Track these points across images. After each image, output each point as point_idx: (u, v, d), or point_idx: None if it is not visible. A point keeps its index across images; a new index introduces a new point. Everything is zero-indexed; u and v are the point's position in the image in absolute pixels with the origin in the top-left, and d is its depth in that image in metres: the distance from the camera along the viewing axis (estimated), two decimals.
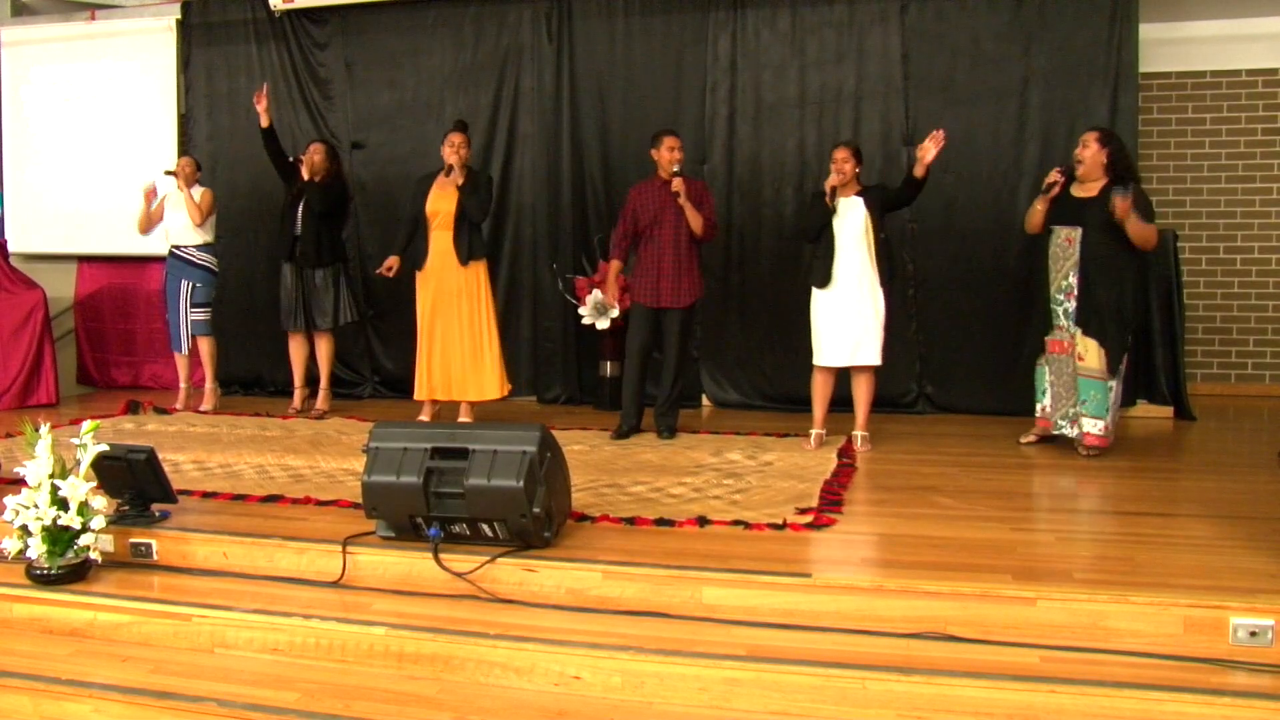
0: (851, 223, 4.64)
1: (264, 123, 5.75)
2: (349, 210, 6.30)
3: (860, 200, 4.66)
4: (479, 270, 5.35)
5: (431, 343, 5.32)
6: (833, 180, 4.61)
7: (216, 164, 6.31)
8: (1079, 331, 4.45)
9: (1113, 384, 4.44)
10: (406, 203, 5.51)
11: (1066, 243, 4.48)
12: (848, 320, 4.64)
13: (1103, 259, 4.38)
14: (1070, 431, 4.55)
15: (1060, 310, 4.54)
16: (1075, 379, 4.48)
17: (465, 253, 5.25)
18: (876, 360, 4.69)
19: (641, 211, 5.05)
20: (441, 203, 5.26)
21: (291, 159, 5.95)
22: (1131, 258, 4.43)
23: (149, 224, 6.18)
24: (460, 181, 5.19)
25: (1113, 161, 4.42)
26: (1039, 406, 4.73)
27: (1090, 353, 4.42)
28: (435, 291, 5.28)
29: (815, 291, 4.73)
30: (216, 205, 6.15)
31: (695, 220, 4.96)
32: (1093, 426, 4.44)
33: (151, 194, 6.09)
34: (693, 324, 5.19)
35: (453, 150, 5.21)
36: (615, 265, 5.24)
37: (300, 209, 5.81)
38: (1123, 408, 5.56)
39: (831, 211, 4.63)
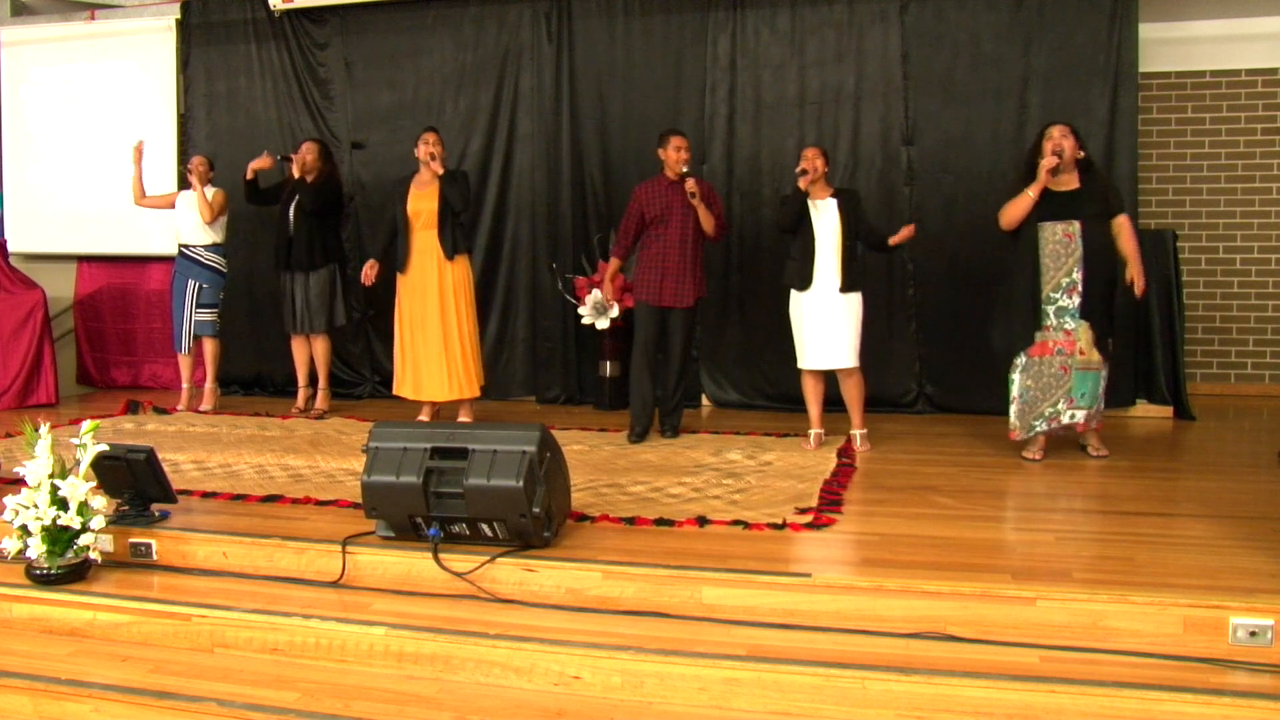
0: (828, 224, 4.66)
1: (249, 175, 5.87)
2: (344, 209, 6.31)
3: (835, 202, 4.68)
4: (464, 267, 5.37)
5: (415, 343, 5.32)
6: (802, 166, 4.63)
7: (216, 163, 6.32)
8: (1084, 325, 4.34)
9: (1104, 372, 4.44)
10: (388, 207, 5.54)
11: (1066, 238, 4.34)
12: (826, 322, 4.65)
13: (1102, 250, 4.36)
14: (1043, 428, 4.44)
15: (1052, 309, 4.37)
16: (1069, 375, 4.36)
17: (450, 248, 5.25)
18: (853, 363, 4.68)
19: (648, 209, 5.05)
20: (423, 202, 5.28)
21: (281, 156, 5.97)
22: (1116, 247, 4.44)
23: (143, 192, 6.22)
24: (440, 172, 5.22)
25: (1083, 152, 4.46)
26: (1010, 415, 4.52)
27: (1091, 345, 4.36)
28: (421, 291, 5.29)
29: (794, 294, 4.73)
30: (229, 205, 6.16)
31: (708, 220, 4.96)
32: (1083, 416, 4.42)
33: (140, 151, 6.14)
34: (695, 323, 5.22)
35: (429, 147, 5.23)
36: (614, 264, 5.25)
37: (292, 210, 5.82)
38: (1122, 407, 5.60)
39: (804, 194, 4.63)
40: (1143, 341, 5.62)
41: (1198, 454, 4.92)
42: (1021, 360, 4.45)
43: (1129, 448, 4.72)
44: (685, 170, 4.92)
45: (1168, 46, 6.14)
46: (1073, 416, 4.40)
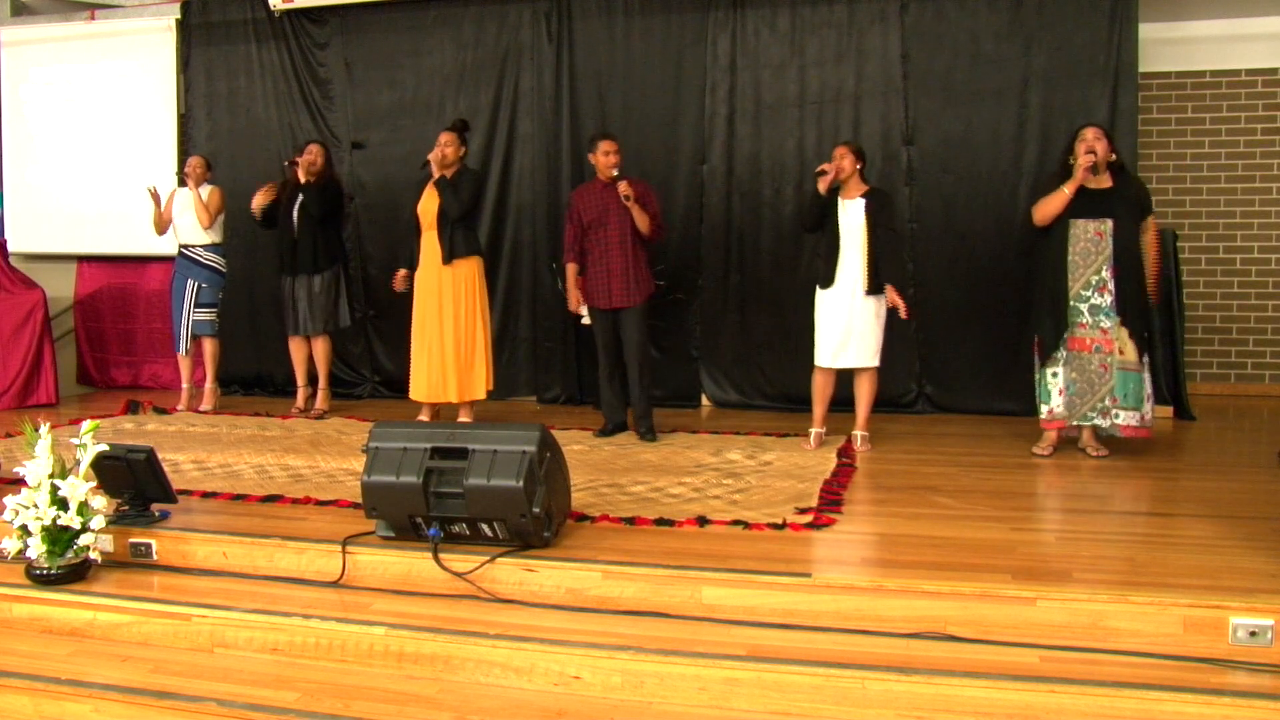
0: (853, 224, 4.64)
1: (258, 215, 5.92)
2: (345, 211, 6.31)
3: (863, 202, 4.66)
4: (468, 269, 5.29)
5: (420, 343, 5.32)
6: (824, 166, 4.62)
7: (216, 164, 6.32)
8: (1118, 323, 4.37)
9: (1146, 374, 4.44)
10: (407, 208, 5.55)
11: (1097, 236, 4.37)
12: (848, 321, 4.64)
13: (1131, 249, 4.40)
14: (1103, 423, 4.44)
15: (1085, 307, 4.40)
16: (1110, 373, 4.39)
17: (447, 252, 5.22)
18: (874, 362, 4.69)
19: (585, 213, 5.07)
20: (429, 203, 5.28)
21: (287, 162, 5.96)
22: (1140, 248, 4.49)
23: (163, 225, 6.18)
24: (436, 175, 5.20)
25: (1114, 155, 4.50)
26: (1045, 410, 4.54)
27: (1128, 345, 4.38)
28: (426, 292, 5.29)
29: (819, 291, 4.73)
30: (225, 204, 6.16)
31: (643, 221, 4.96)
32: (1131, 419, 4.41)
33: (156, 194, 6.08)
34: (648, 322, 5.16)
35: (437, 148, 5.22)
36: (572, 269, 5.24)
37: (295, 213, 5.81)
38: None
39: (823, 198, 4.62)
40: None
41: (1198, 454, 4.92)
42: (1061, 354, 4.47)
43: (1129, 448, 4.72)
44: (615, 175, 4.94)
45: (1168, 46, 6.14)
46: (1118, 417, 4.42)
